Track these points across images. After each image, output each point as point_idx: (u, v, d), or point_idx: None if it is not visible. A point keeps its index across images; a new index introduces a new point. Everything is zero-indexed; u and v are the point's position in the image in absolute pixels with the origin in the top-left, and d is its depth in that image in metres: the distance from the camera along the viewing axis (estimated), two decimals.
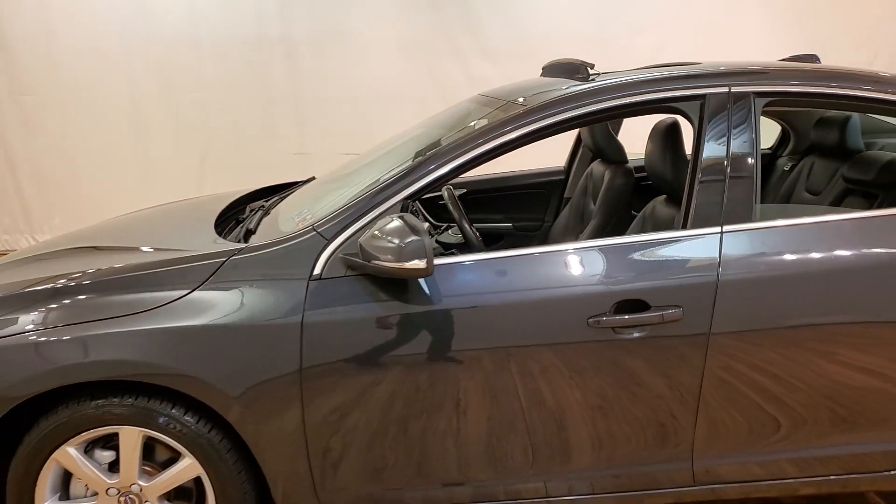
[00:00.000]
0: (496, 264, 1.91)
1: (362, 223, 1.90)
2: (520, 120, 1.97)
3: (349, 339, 1.86)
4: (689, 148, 2.20)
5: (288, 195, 2.80)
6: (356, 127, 6.18)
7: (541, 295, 1.88)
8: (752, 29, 6.11)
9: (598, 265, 1.91)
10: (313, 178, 3.13)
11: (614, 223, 2.81)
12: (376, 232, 1.78)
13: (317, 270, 1.88)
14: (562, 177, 3.52)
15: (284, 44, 5.99)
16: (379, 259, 1.75)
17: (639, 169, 2.99)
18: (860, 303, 1.92)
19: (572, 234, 3.16)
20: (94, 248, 2.35)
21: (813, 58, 2.63)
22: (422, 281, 1.85)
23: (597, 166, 3.11)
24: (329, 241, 1.90)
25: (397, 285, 1.86)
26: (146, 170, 6.11)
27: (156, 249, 2.18)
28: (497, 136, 1.96)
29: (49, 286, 1.94)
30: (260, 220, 2.38)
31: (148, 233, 2.55)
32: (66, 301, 1.89)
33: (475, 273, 1.90)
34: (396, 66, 6.11)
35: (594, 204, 3.08)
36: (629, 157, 3.02)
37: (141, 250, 2.21)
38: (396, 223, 1.76)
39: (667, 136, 2.23)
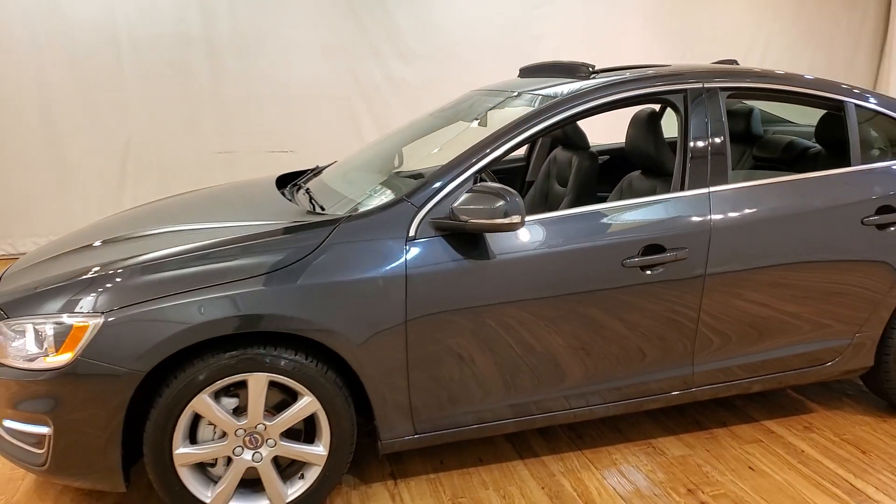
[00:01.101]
0: (558, 221, 2.41)
1: (445, 192, 2.33)
2: (560, 107, 2.49)
3: (443, 289, 2.28)
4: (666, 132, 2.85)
5: (314, 177, 3.14)
6: (281, 125, 6.43)
7: (589, 244, 2.41)
8: (631, 35, 7.04)
9: (628, 220, 2.47)
10: (317, 168, 3.44)
11: (584, 199, 3.39)
12: (471, 196, 2.23)
13: (411, 233, 2.29)
14: (522, 163, 4.08)
15: (207, 43, 6.09)
16: (477, 218, 2.19)
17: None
18: (800, 242, 2.62)
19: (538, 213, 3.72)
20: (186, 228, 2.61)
21: (733, 61, 3.36)
22: (501, 235, 2.32)
23: (560, 153, 3.69)
24: (419, 209, 2.32)
25: (478, 241, 2.31)
26: (62, 172, 5.97)
27: (251, 223, 2.47)
28: (541, 120, 2.47)
29: (181, 256, 2.20)
30: (313, 197, 2.73)
31: (218, 211, 2.80)
32: (199, 267, 2.16)
33: (541, 228, 2.39)
34: (319, 67, 6.41)
35: (559, 185, 3.66)
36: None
37: (233, 225, 2.49)
38: (490, 188, 2.22)
39: (648, 123, 2.83)
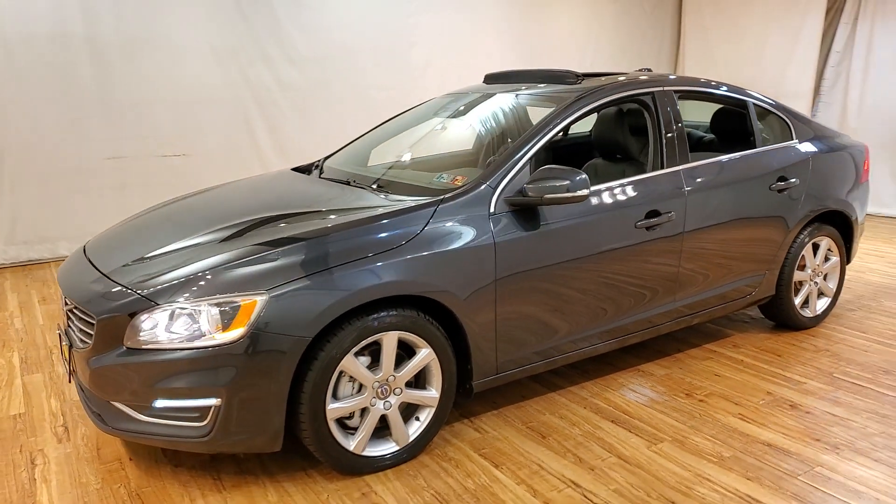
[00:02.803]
0: (596, 194, 3.06)
1: (511, 175, 2.89)
2: (579, 104, 3.16)
3: (519, 253, 2.83)
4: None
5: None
6: (171, 129, 6.38)
7: (615, 212, 3.11)
8: (487, 41, 7.93)
9: (635, 192, 3.20)
10: (318, 162, 3.78)
11: None
12: (540, 177, 2.80)
13: (492, 209, 2.82)
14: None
15: (90, 44, 5.89)
16: (552, 193, 2.78)
17: None
18: (737, 204, 3.55)
19: None
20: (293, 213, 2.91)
21: (648, 69, 4.26)
22: (553, 208, 2.92)
23: None
24: (495, 189, 2.85)
25: (536, 213, 2.90)
26: None
27: (353, 209, 2.82)
28: (569, 115, 3.12)
29: (321, 237, 2.53)
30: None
31: (294, 200, 3.07)
32: (339, 245, 2.51)
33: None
34: (210, 70, 6.45)
35: None
36: None
37: (324, 210, 2.83)
38: (555, 169, 2.81)
39: (617, 119, 3.60)
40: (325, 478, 2.63)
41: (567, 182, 2.79)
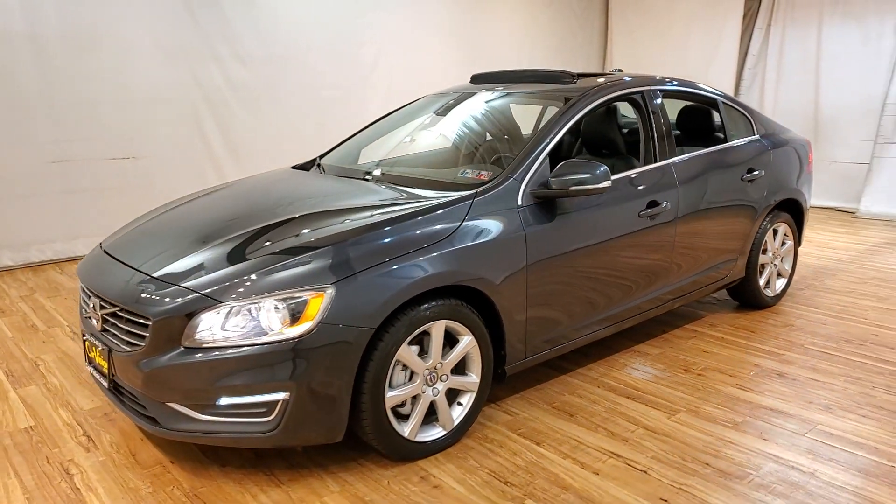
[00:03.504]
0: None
1: (534, 169, 3.05)
2: (591, 96, 3.37)
3: (545, 240, 3.00)
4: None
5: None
6: (120, 131, 6.18)
7: (622, 202, 3.33)
8: (433, 42, 8.08)
9: (638, 184, 3.43)
10: (316, 159, 3.82)
11: None
12: (564, 170, 2.98)
13: (520, 202, 2.98)
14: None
15: (32, 42, 5.62)
16: (577, 185, 2.95)
17: None
18: (716, 193, 3.87)
19: None
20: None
21: (619, 70, 4.53)
22: (570, 199, 3.10)
23: None
24: (521, 183, 3.00)
25: (555, 205, 3.07)
26: None
27: (392, 202, 2.90)
28: (577, 111, 3.32)
29: (372, 231, 2.60)
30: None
31: (322, 196, 3.10)
32: (390, 239, 2.59)
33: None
34: (158, 69, 6.27)
35: None
36: None
37: (367, 204, 2.89)
38: (578, 163, 2.99)
39: (607, 117, 3.83)
40: (378, 465, 2.70)
41: (589, 175, 2.98)
